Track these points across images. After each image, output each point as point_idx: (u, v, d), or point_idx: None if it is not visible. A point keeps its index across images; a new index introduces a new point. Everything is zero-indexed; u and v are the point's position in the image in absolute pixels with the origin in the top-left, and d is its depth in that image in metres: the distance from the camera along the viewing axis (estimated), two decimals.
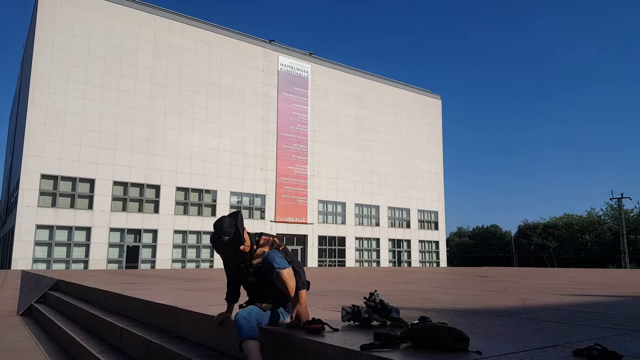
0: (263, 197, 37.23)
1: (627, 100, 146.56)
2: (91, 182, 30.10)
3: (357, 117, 43.80)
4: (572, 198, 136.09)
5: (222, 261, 3.52)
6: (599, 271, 23.30)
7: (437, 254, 48.59)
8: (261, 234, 3.39)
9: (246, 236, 3.23)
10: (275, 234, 35.06)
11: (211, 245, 3.23)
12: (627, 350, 2.39)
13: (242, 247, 3.18)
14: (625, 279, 13.08)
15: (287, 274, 3.07)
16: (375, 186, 43.94)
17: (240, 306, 3.30)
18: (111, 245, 30.38)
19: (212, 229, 3.29)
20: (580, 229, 70.16)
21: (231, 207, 35.08)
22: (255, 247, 3.28)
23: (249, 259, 3.29)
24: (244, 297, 3.51)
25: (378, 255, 43.70)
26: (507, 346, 2.49)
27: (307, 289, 3.21)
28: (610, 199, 59.78)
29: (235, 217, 3.19)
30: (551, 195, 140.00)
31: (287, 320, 3.27)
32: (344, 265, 40.53)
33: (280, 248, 3.26)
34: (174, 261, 32.39)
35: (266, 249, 3.24)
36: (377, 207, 44.04)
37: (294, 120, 39.78)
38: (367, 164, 43.65)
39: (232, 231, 3.12)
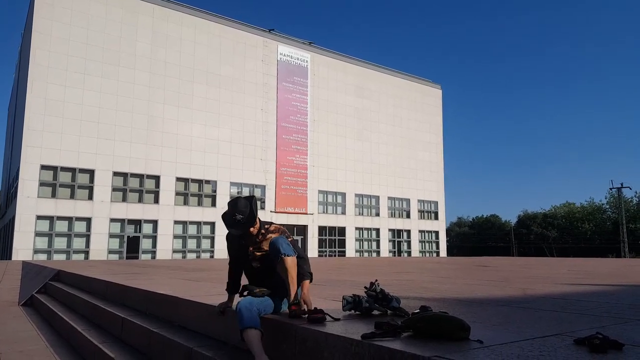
0: (263, 187, 37.24)
1: (628, 90, 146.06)
2: (91, 172, 30.09)
3: (357, 107, 43.65)
4: (573, 188, 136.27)
5: (226, 247, 3.56)
6: (598, 260, 23.37)
7: (437, 243, 48.72)
8: (271, 223, 3.45)
9: (257, 220, 3.32)
10: None
11: (223, 222, 3.30)
12: (628, 339, 2.39)
13: (251, 229, 3.26)
14: (625, 268, 13.11)
15: (291, 261, 3.10)
16: (375, 176, 43.93)
17: (241, 294, 3.31)
18: (111, 235, 30.45)
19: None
20: (580, 218, 70.24)
21: (231, 197, 34.96)
22: (263, 231, 3.35)
23: (259, 243, 3.32)
24: None
25: (378, 246, 43.82)
26: (508, 335, 2.49)
27: (311, 281, 3.24)
28: (610, 189, 59.80)
29: (250, 200, 3.28)
30: (551, 185, 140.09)
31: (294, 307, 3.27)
32: (344, 256, 40.67)
33: (289, 239, 3.29)
34: (174, 251, 32.49)
35: (276, 235, 3.29)
36: (377, 198, 44.07)
37: (294, 111, 39.65)
38: (367, 154, 43.59)
39: (246, 211, 3.20)
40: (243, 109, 36.83)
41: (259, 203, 36.87)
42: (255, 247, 3.33)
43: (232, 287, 3.51)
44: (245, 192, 36.36)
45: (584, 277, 8.56)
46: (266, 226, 3.38)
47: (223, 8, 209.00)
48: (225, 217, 3.24)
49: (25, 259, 25.63)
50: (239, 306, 2.95)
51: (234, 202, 3.26)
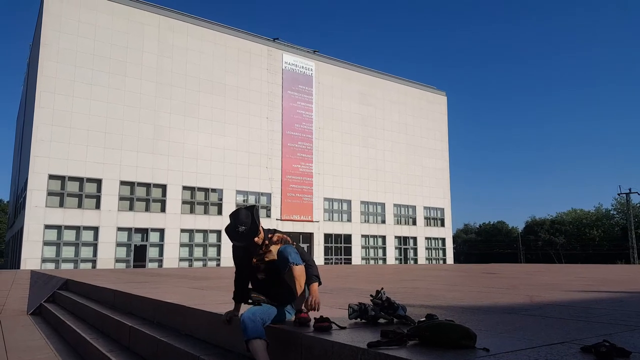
0: (269, 195, 37.29)
1: (636, 94, 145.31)
2: (98, 182, 30.29)
3: (362, 114, 43.73)
4: (580, 194, 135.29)
5: (232, 257, 3.56)
6: (607, 267, 23.17)
7: (444, 250, 48.48)
8: (275, 230, 3.44)
9: (260, 229, 3.32)
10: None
11: (227, 235, 3.31)
12: (635, 346, 2.38)
13: (256, 239, 3.26)
14: (633, 274, 12.99)
15: (300, 270, 3.12)
16: (381, 183, 43.89)
17: (247, 302, 3.32)
18: (119, 244, 30.57)
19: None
20: (588, 224, 69.71)
21: (237, 205, 35.14)
22: (267, 242, 3.34)
23: (261, 255, 3.32)
24: None
25: (384, 253, 43.67)
26: (515, 343, 2.50)
27: (320, 284, 3.24)
28: (618, 194, 59.39)
29: (251, 210, 3.29)
30: (559, 191, 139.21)
31: (294, 318, 3.29)
32: (350, 263, 40.54)
33: (293, 245, 3.31)
34: (181, 260, 32.55)
35: (279, 246, 3.30)
36: (383, 205, 43.99)
37: (299, 119, 39.78)
38: (373, 161, 43.58)
39: (248, 222, 3.21)
40: (248, 117, 37.01)
41: (264, 211, 36.91)
42: (259, 259, 3.33)
43: (239, 295, 3.52)
44: (252, 199, 36.42)
45: (591, 284, 8.50)
46: (269, 235, 3.37)
47: (228, 18, 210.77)
48: (228, 229, 3.25)
49: (33, 268, 25.78)
50: (242, 317, 2.96)
51: (235, 214, 3.26)
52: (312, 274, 3.21)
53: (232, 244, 3.36)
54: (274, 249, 3.28)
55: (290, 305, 3.35)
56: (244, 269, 3.47)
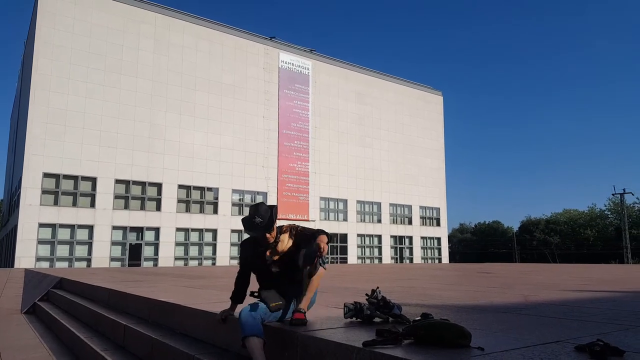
0: (265, 194, 37.25)
1: (631, 95, 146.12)
2: (93, 180, 30.16)
3: (358, 113, 43.75)
4: (575, 194, 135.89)
5: (239, 256, 3.65)
6: (601, 267, 23.30)
7: (439, 250, 48.60)
8: (282, 225, 3.53)
9: (274, 227, 3.38)
10: None
11: (243, 225, 3.39)
12: (629, 346, 2.39)
13: (268, 235, 3.30)
14: (627, 274, 13.07)
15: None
16: (377, 183, 43.94)
17: (253, 293, 3.34)
18: (114, 243, 30.46)
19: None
20: (582, 224, 70.04)
21: (233, 204, 35.11)
22: (279, 234, 3.43)
23: (275, 246, 3.37)
24: (248, 298, 3.49)
25: (380, 252, 43.73)
26: (509, 342, 2.50)
27: (329, 238, 3.36)
28: (613, 195, 59.69)
29: (271, 207, 3.37)
30: (554, 191, 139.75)
31: (295, 316, 3.29)
32: (346, 262, 40.58)
33: (299, 229, 3.45)
34: (176, 259, 32.47)
35: (288, 234, 3.41)
36: (379, 204, 44.04)
37: (295, 118, 39.76)
38: (369, 161, 43.63)
39: (266, 216, 3.28)
40: (245, 116, 36.94)
41: None
42: (272, 251, 3.36)
43: (237, 296, 3.52)
44: (248, 198, 36.35)
45: (586, 283, 8.55)
46: (279, 229, 3.46)
47: (224, 16, 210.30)
48: (245, 219, 3.32)
49: (27, 266, 25.62)
50: (241, 313, 2.95)
51: (255, 206, 3.34)
52: (320, 230, 3.36)
53: (237, 245, 3.39)
54: (284, 237, 3.36)
55: (293, 303, 3.34)
56: (247, 270, 3.51)
